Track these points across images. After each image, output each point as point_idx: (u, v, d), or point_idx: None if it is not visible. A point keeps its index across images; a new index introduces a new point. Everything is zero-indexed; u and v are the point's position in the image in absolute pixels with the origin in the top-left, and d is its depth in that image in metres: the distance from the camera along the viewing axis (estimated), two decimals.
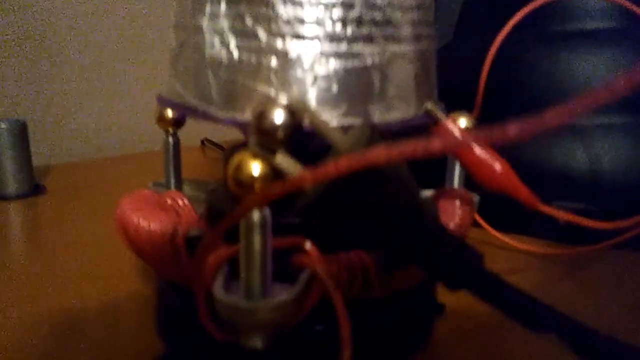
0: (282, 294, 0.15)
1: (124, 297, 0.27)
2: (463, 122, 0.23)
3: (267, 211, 0.15)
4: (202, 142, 0.57)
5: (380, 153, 0.11)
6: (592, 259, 0.30)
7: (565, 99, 0.34)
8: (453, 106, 0.24)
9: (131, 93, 0.58)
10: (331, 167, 0.12)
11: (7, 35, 0.50)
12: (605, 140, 0.32)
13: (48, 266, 0.30)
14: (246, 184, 0.15)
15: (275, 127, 0.15)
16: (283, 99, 0.17)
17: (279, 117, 0.15)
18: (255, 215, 0.14)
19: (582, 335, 0.14)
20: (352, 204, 0.15)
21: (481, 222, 0.31)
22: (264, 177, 0.15)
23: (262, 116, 0.15)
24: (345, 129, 0.17)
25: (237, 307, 0.15)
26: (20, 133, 0.41)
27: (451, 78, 0.36)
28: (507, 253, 0.31)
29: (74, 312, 0.25)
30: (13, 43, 0.51)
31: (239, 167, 0.15)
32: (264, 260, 0.15)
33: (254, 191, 0.15)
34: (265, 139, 0.15)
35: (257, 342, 0.15)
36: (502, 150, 0.19)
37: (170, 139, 0.26)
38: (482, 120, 0.30)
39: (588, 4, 0.34)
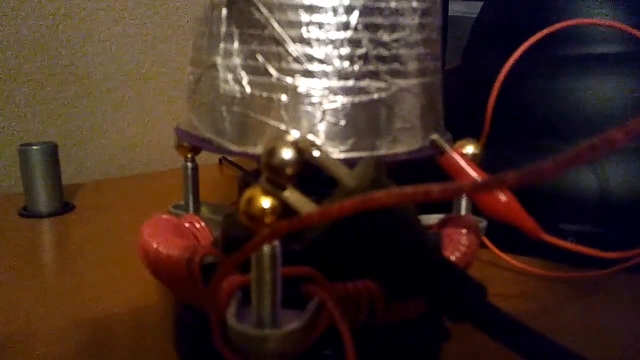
0: (292, 324, 0.15)
1: (147, 310, 0.27)
2: (470, 149, 0.22)
3: (278, 245, 0.15)
4: (220, 161, 0.57)
5: (382, 197, 0.11)
6: (601, 283, 0.29)
7: (573, 122, 0.33)
8: (463, 128, 0.23)
9: (154, 115, 0.59)
10: (336, 208, 0.12)
11: (38, 63, 0.52)
12: (614, 163, 0.31)
13: (77, 281, 0.31)
14: (257, 218, 0.15)
15: (285, 164, 0.15)
16: (292, 137, 0.17)
17: (287, 154, 0.15)
18: (266, 249, 0.14)
19: None
20: (357, 235, 0.15)
21: (488, 244, 0.31)
22: (273, 212, 0.15)
23: (272, 154, 0.15)
24: (351, 165, 0.17)
25: (249, 335, 0.15)
26: (52, 155, 0.42)
27: (460, 100, 0.36)
28: (515, 275, 0.31)
29: (101, 324, 0.26)
30: (44, 71, 0.52)
31: (251, 202, 0.15)
32: (274, 291, 0.15)
33: (264, 224, 0.15)
34: (275, 175, 0.15)
35: None
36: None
37: (189, 165, 0.27)
38: (491, 143, 0.30)
39: (597, 30, 0.34)
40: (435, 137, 0.20)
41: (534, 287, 0.29)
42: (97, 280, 0.30)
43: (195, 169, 0.27)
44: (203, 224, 0.25)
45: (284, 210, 0.15)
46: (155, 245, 0.20)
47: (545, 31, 0.29)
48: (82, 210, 0.43)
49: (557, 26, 0.29)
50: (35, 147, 0.41)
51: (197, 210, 0.27)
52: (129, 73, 0.57)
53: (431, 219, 0.25)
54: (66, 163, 0.48)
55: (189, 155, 0.26)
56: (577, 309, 0.27)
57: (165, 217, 0.23)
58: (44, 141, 0.43)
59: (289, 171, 0.15)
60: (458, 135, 0.22)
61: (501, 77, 0.29)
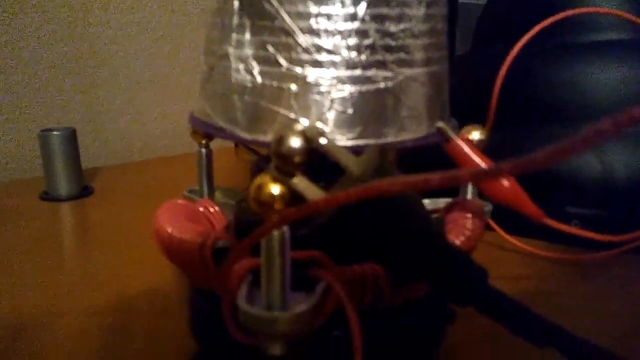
0: (300, 305, 0.15)
1: (165, 291, 0.28)
2: (476, 135, 0.22)
3: (286, 230, 0.15)
4: (236, 145, 0.57)
5: (385, 185, 0.11)
6: (607, 264, 0.29)
7: (579, 107, 0.33)
8: (470, 114, 0.23)
9: (171, 100, 0.59)
10: (342, 195, 0.12)
11: (57, 51, 0.52)
12: (617, 147, 0.32)
13: (96, 262, 0.31)
14: (267, 204, 0.15)
15: (293, 152, 0.15)
16: (300, 125, 0.17)
17: (295, 142, 0.15)
18: (275, 234, 0.15)
19: (583, 352, 0.14)
20: (362, 220, 0.15)
21: (495, 226, 0.31)
22: (282, 198, 0.15)
23: (280, 142, 0.15)
24: (357, 152, 0.17)
25: (258, 317, 0.15)
26: (71, 139, 0.43)
27: (468, 88, 0.35)
28: (521, 257, 0.31)
29: (120, 307, 0.26)
30: (63, 59, 0.52)
31: (260, 189, 0.15)
32: (283, 274, 0.15)
33: (273, 210, 0.15)
34: (283, 162, 0.15)
35: (277, 349, 0.15)
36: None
37: (203, 150, 0.27)
38: (497, 130, 0.30)
39: (603, 17, 0.34)
40: (440, 124, 0.20)
41: (539, 269, 0.30)
42: (115, 261, 0.31)
43: (209, 154, 0.27)
44: (217, 208, 0.25)
45: (292, 196, 0.15)
46: (169, 230, 0.20)
47: (552, 19, 0.29)
48: (101, 194, 0.44)
49: (564, 14, 0.29)
50: (55, 133, 0.42)
51: (211, 195, 0.27)
52: (146, 60, 0.57)
53: (439, 203, 0.25)
54: (85, 147, 0.49)
55: (203, 141, 0.27)
56: (582, 290, 0.28)
57: (180, 201, 0.24)
58: (63, 126, 0.43)
59: (297, 159, 0.15)
60: (468, 119, 0.22)
61: (506, 63, 0.29)
